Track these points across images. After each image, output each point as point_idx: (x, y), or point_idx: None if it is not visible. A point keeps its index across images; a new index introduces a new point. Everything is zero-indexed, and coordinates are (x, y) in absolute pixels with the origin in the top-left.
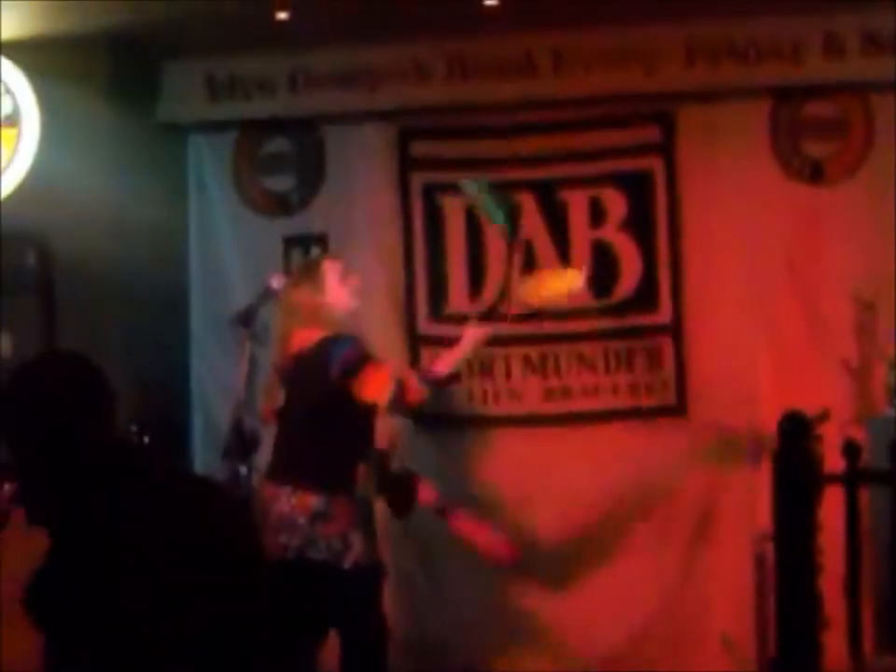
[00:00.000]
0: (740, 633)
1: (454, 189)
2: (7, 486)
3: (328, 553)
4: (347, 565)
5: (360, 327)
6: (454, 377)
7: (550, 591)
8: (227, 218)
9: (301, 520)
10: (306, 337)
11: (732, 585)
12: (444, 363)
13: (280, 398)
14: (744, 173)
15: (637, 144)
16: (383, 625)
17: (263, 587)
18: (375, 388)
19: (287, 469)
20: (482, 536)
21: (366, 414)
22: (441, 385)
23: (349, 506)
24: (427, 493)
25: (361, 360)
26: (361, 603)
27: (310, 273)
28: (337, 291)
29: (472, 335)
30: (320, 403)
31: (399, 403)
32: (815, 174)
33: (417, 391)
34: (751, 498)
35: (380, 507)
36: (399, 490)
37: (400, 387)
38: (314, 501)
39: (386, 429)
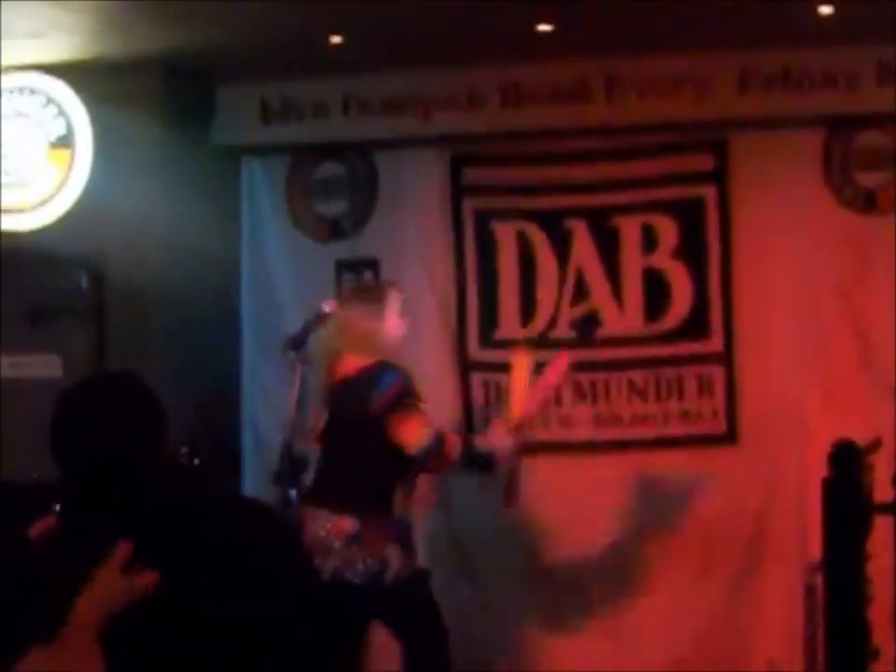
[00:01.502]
0: (789, 662)
1: (506, 214)
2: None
3: (366, 574)
4: (388, 580)
5: (405, 355)
6: (487, 462)
7: (596, 616)
8: (279, 242)
9: (337, 543)
10: (355, 361)
11: (781, 614)
12: (487, 441)
13: (322, 420)
14: (796, 201)
15: (689, 171)
16: (440, 623)
17: (314, 612)
18: (410, 434)
19: (327, 492)
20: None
21: None
22: (471, 460)
23: (383, 528)
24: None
25: (406, 399)
26: (413, 605)
27: (371, 297)
28: (394, 320)
29: (503, 441)
30: (362, 428)
31: (435, 456)
32: (867, 203)
33: (456, 448)
34: (801, 527)
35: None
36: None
37: (441, 441)
38: (348, 525)
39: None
